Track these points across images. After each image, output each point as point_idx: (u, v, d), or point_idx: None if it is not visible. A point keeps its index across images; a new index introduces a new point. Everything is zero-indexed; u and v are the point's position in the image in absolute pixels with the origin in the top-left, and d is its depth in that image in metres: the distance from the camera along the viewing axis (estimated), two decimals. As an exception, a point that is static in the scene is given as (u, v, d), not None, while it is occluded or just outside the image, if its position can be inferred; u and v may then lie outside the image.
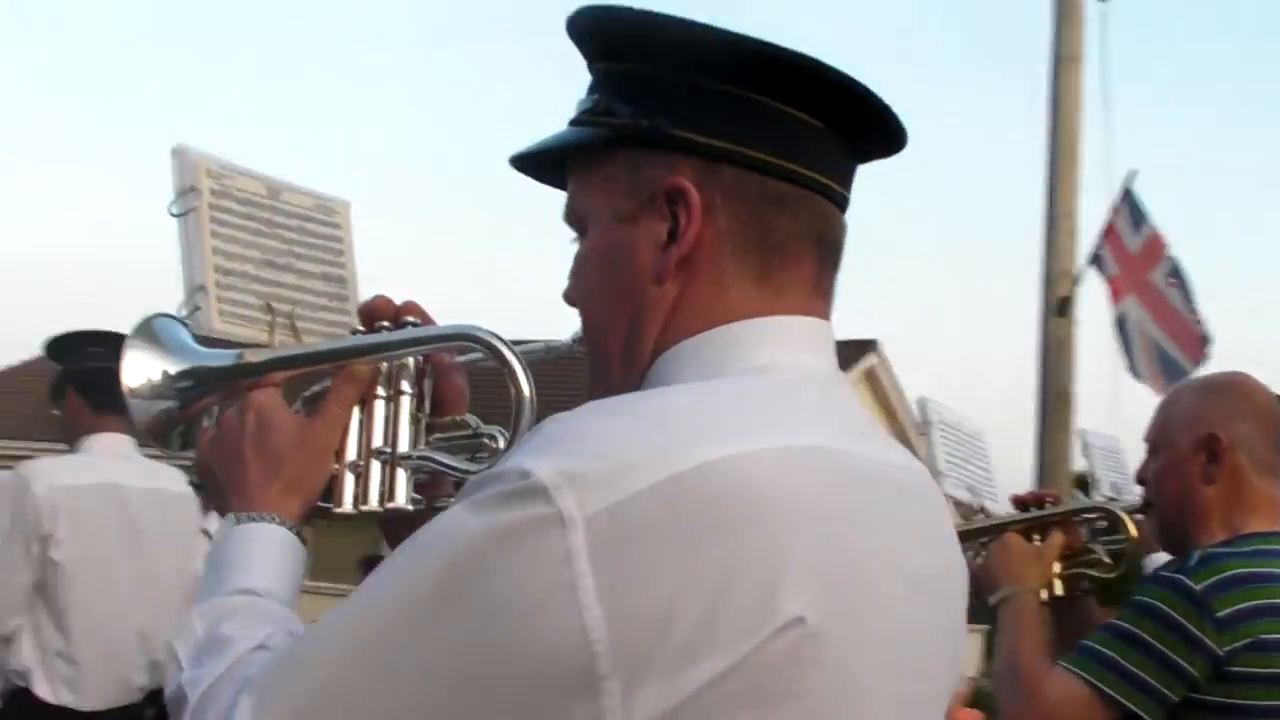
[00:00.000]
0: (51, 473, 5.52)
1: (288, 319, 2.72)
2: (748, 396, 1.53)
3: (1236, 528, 3.46)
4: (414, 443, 1.88)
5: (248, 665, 1.53)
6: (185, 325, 2.03)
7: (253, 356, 1.95)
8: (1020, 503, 4.14)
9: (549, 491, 1.34)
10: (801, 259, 1.65)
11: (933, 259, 70.80)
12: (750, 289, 1.63)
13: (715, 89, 1.61)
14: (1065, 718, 3.33)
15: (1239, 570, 3.28)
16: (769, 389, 1.57)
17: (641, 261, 1.64)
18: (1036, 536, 3.93)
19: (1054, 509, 4.01)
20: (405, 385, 1.89)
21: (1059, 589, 3.92)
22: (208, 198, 2.87)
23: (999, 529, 4.05)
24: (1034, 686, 3.40)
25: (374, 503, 1.86)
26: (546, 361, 1.96)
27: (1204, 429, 3.50)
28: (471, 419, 1.92)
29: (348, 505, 1.86)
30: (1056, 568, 3.90)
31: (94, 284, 49.45)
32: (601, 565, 1.32)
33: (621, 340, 1.67)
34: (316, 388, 1.94)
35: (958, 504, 5.03)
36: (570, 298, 1.75)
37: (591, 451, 1.38)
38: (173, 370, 1.95)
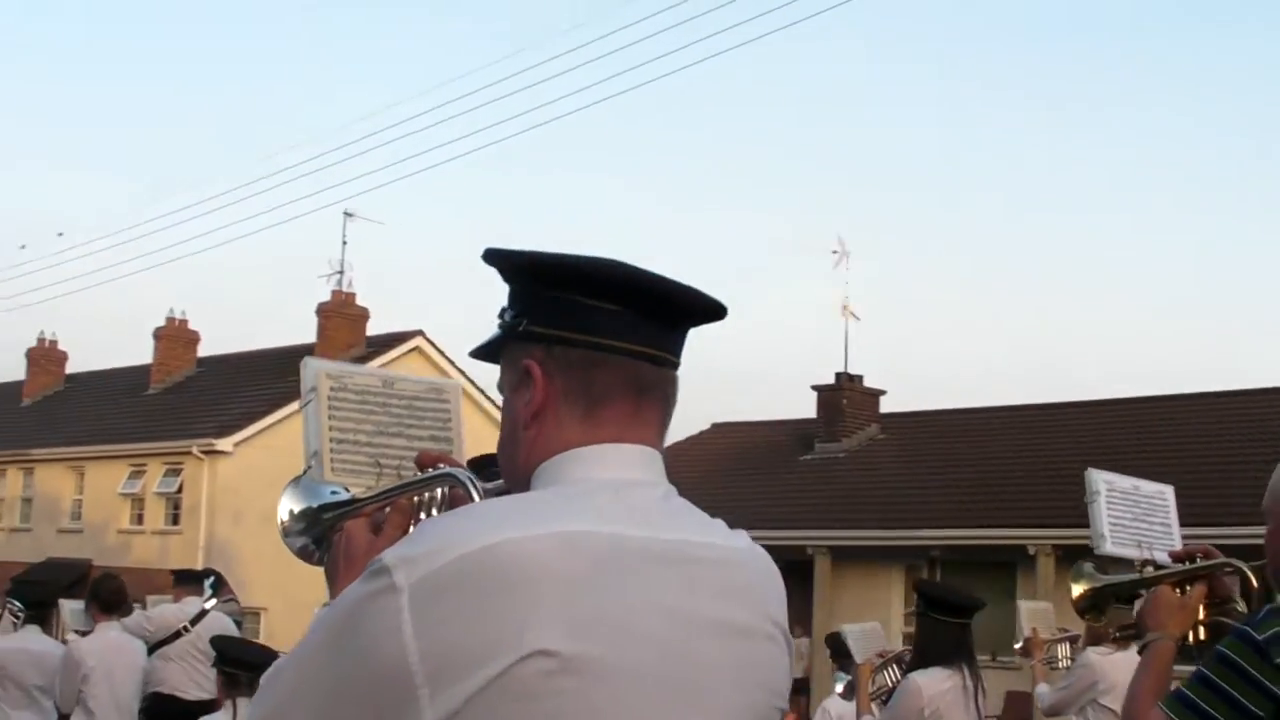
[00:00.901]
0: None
1: (395, 472, 3.46)
2: (549, 499, 2.28)
3: None
4: None
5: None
6: (307, 480, 3.37)
7: (353, 494, 3.15)
8: (1177, 558, 4.69)
9: (390, 570, 2.10)
10: (617, 402, 2.38)
11: None
12: (578, 427, 2.37)
13: (551, 295, 2.40)
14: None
15: None
16: (568, 493, 2.29)
17: (516, 417, 2.43)
18: (1188, 587, 4.45)
19: (1197, 564, 4.54)
20: (434, 508, 2.92)
21: (1202, 634, 4.41)
22: (326, 392, 3.88)
23: (1155, 581, 4.61)
24: (1137, 716, 4.00)
25: None
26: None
27: None
28: None
29: None
30: (1200, 615, 4.39)
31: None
32: (416, 615, 2.06)
33: (510, 468, 2.49)
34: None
35: (1121, 560, 5.53)
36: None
37: (423, 540, 2.17)
38: (296, 509, 3.16)
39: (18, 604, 11.99)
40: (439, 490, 2.95)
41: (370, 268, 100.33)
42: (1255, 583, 4.42)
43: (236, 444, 40.16)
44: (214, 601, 11.14)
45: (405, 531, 2.78)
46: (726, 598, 2.32)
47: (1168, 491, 5.92)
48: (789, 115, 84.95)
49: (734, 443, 35.74)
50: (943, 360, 75.66)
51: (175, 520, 41.50)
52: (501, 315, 2.53)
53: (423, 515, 2.91)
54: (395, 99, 66.85)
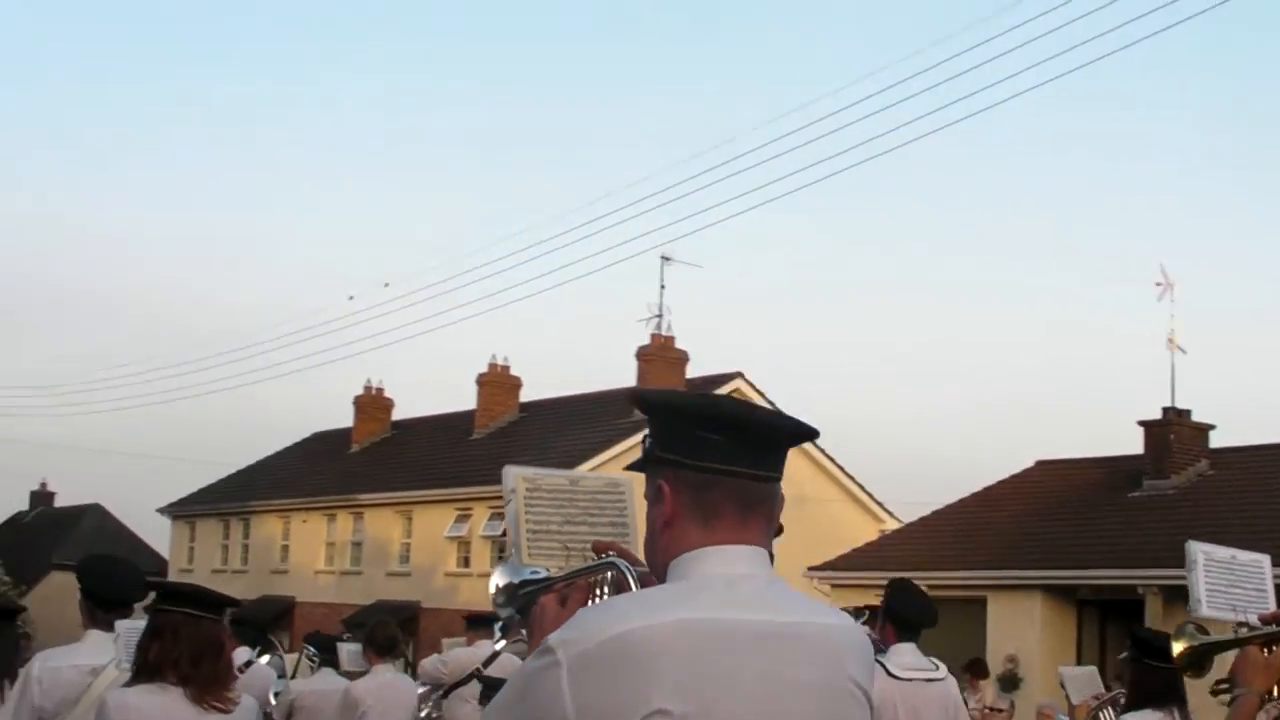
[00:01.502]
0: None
1: (581, 555, 4.26)
2: (672, 591, 3.10)
3: None
4: None
5: None
6: (511, 562, 4.23)
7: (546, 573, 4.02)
8: (1266, 620, 5.15)
9: (554, 649, 2.93)
10: (727, 513, 3.15)
11: None
12: (699, 533, 3.14)
13: (675, 429, 3.20)
14: None
15: None
16: (688, 586, 3.08)
17: (654, 525, 3.23)
18: (1275, 647, 4.86)
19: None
20: (605, 587, 3.58)
21: None
22: (523, 492, 5.02)
23: (1246, 642, 5.02)
24: None
25: None
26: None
27: None
28: None
29: None
30: None
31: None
32: (572, 683, 2.89)
33: (652, 563, 3.29)
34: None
35: (1217, 622, 6.29)
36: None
37: (578, 626, 2.98)
38: (501, 584, 3.97)
39: (312, 649, 14.12)
40: (609, 573, 3.62)
41: (688, 310, 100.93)
42: None
43: (559, 488, 40.54)
44: (503, 643, 11.36)
45: (585, 605, 3.45)
46: (813, 664, 3.09)
47: (1264, 560, 6.48)
48: (1107, 146, 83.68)
49: (1059, 480, 35.07)
50: (1275, 392, 73.65)
51: (501, 562, 42.06)
52: (644, 442, 3.30)
53: (598, 592, 3.59)
54: (701, 147, 67.24)
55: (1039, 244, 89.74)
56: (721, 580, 3.08)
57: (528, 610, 3.77)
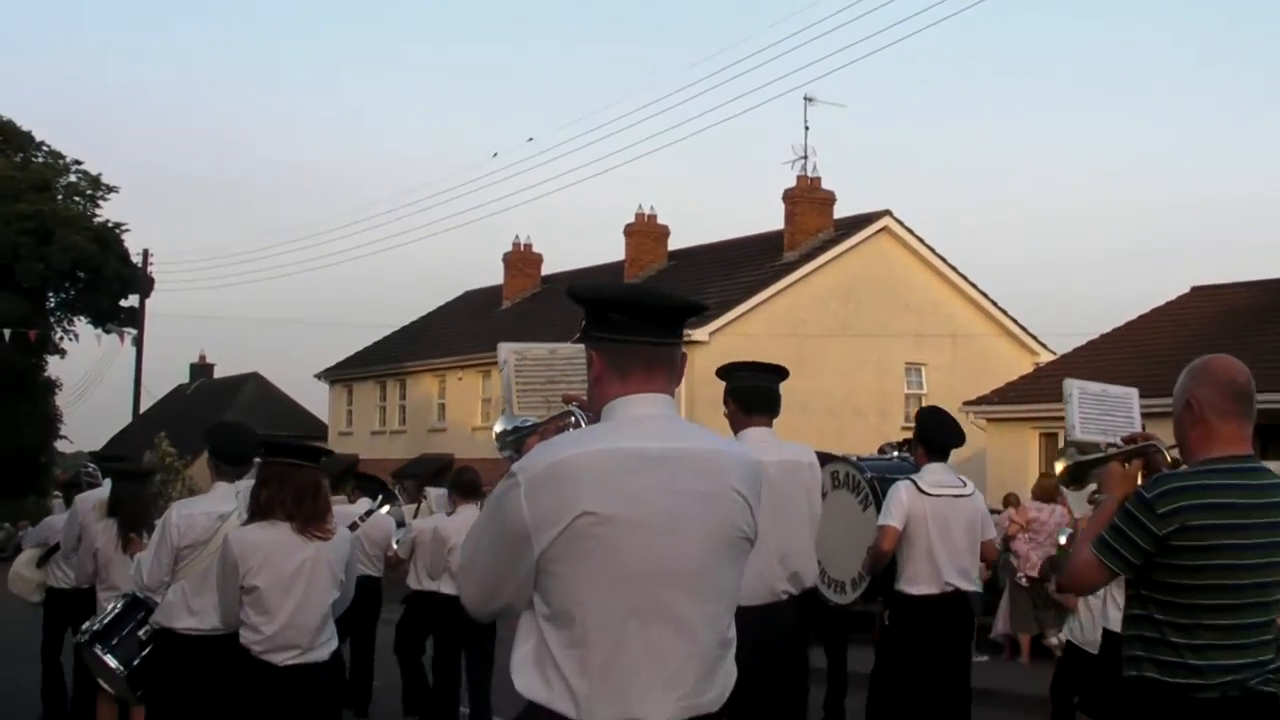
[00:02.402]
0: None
1: (559, 406, 5.49)
2: (597, 429, 4.34)
3: (1201, 456, 5.58)
4: None
5: None
6: (506, 414, 6.14)
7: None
8: (1127, 440, 6.26)
9: (516, 474, 4.13)
10: (636, 372, 4.33)
11: None
12: (617, 386, 4.34)
13: (597, 312, 4.39)
14: (1081, 570, 5.69)
15: (1178, 483, 5.44)
16: (609, 425, 4.30)
17: (589, 382, 4.47)
18: (1137, 462, 6.03)
19: (1136, 446, 6.11)
20: (571, 429, 4.97)
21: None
22: (513, 362, 7.03)
23: (1111, 458, 6.16)
24: (1075, 552, 5.80)
25: None
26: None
27: (1184, 396, 5.66)
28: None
29: None
30: (1140, 481, 5.84)
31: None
32: (527, 497, 4.07)
33: (592, 410, 4.54)
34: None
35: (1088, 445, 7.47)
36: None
37: (532, 457, 4.21)
38: (498, 430, 5.63)
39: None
40: (571, 418, 5.11)
41: (834, 151, 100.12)
42: (1169, 459, 5.95)
43: (712, 333, 40.59)
44: None
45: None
46: (699, 476, 4.25)
47: (1132, 393, 7.54)
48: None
49: (1215, 305, 34.61)
50: None
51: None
52: (582, 324, 4.47)
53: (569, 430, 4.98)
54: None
55: (1186, 75, 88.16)
56: (632, 419, 4.31)
57: (520, 448, 5.20)
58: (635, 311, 4.37)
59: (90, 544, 11.60)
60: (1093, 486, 6.38)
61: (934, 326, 44.36)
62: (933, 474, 10.38)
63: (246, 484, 8.39)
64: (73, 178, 72.69)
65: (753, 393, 9.00)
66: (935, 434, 10.54)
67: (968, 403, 35.45)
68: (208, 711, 8.43)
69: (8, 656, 17.31)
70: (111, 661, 9.54)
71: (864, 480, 12.12)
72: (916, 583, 10.11)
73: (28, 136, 72.39)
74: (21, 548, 16.13)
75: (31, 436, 69.29)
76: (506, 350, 7.35)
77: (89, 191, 72.57)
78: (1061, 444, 7.82)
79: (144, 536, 10.52)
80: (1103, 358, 34.09)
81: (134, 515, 11.16)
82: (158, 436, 59.92)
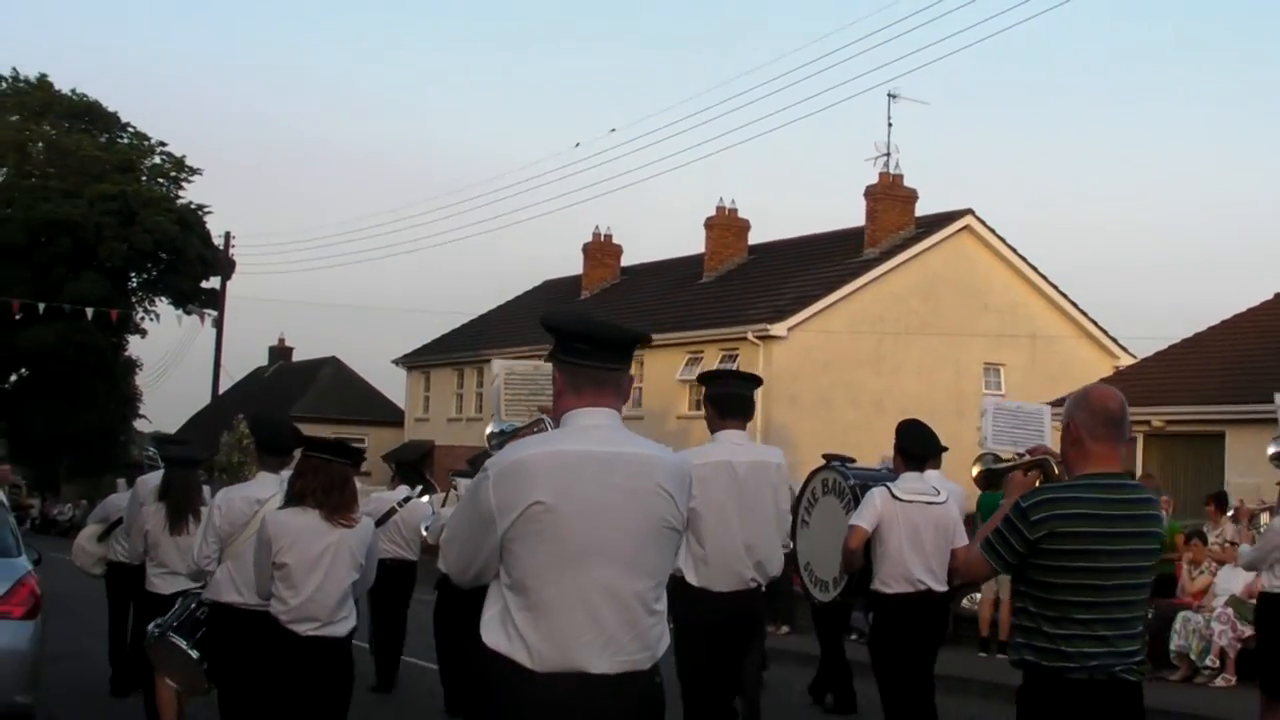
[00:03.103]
0: (690, 456, 8.65)
1: (539, 415, 7.36)
2: (555, 434, 5.42)
3: (1077, 471, 6.44)
4: None
5: None
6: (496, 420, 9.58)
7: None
8: (1031, 453, 7.20)
9: (487, 469, 5.19)
10: (588, 390, 5.30)
11: None
12: (573, 401, 5.31)
13: (560, 339, 5.38)
14: (970, 564, 6.77)
15: (1050, 495, 6.31)
16: (564, 432, 5.29)
17: (554, 397, 5.51)
18: (1034, 472, 6.93)
19: (1035, 459, 7.03)
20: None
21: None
22: (503, 377, 10.48)
23: (1015, 468, 7.08)
24: (969, 548, 7.13)
25: None
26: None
27: (1066, 420, 6.46)
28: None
29: None
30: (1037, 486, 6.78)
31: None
32: (495, 488, 5.10)
33: (556, 419, 5.56)
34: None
35: (1001, 457, 8.07)
36: None
37: (502, 454, 5.24)
38: (489, 433, 8.97)
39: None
40: (545, 423, 6.93)
41: (917, 148, 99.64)
42: (1057, 471, 6.75)
43: (790, 328, 40.52)
44: None
45: None
46: (632, 476, 5.19)
47: (1044, 410, 8.47)
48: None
49: (1304, 310, 34.29)
50: None
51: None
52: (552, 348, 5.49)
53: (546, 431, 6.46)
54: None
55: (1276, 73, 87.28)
56: (582, 428, 5.30)
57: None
58: (591, 341, 5.39)
59: (141, 524, 12.74)
60: None
61: (1013, 327, 44.16)
62: (907, 482, 11.15)
63: (288, 472, 9.45)
64: (157, 159, 73.33)
65: (727, 399, 9.87)
66: (913, 445, 11.34)
67: (1046, 404, 35.26)
68: (260, 681, 9.22)
69: (80, 626, 18.12)
70: (181, 642, 10.31)
71: (847, 486, 12.68)
72: (889, 583, 10.93)
73: (113, 117, 73.05)
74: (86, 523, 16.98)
75: (110, 415, 69.95)
76: (499, 365, 10.24)
77: (173, 173, 73.21)
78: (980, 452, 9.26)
79: (189, 520, 12.07)
80: (1184, 363, 33.87)
81: (182, 500, 12.38)
82: (235, 418, 60.29)
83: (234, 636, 9.65)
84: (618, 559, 5.16)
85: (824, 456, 13.08)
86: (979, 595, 22.05)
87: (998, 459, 7.70)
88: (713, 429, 9.82)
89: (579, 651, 5.09)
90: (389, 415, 64.19)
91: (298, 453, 9.61)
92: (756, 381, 10.58)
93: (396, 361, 62.55)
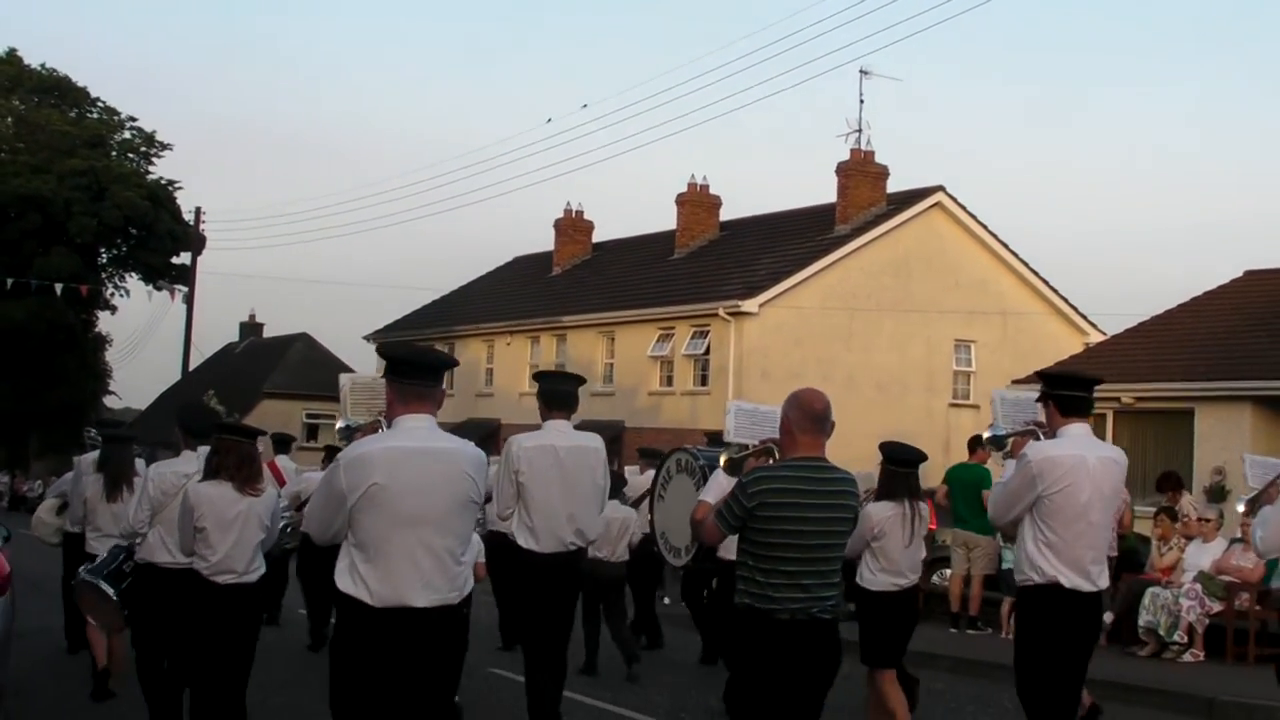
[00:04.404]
0: (522, 440, 11.49)
1: (377, 417, 9.62)
2: (387, 434, 7.47)
3: (788, 456, 8.00)
4: None
5: None
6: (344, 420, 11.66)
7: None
8: (761, 442, 9.44)
9: (338, 460, 7.23)
10: (411, 401, 7.31)
11: None
12: (400, 408, 7.32)
13: (389, 362, 7.50)
14: (707, 528, 8.24)
15: (764, 474, 7.83)
16: (392, 432, 7.35)
17: (387, 402, 7.70)
18: (764, 456, 8.73)
19: (761, 446, 9.06)
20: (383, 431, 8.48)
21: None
22: (349, 388, 12.02)
23: (750, 455, 9.04)
24: (706, 514, 8.30)
25: None
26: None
27: (781, 415, 8.08)
28: None
29: None
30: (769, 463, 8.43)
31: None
32: (345, 473, 7.07)
33: (389, 421, 7.62)
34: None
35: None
36: None
37: (350, 449, 7.35)
38: (338, 428, 11.57)
39: None
40: (381, 424, 8.48)
41: (889, 125, 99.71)
42: (777, 455, 8.36)
43: (761, 304, 40.47)
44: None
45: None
46: (442, 464, 7.17)
47: (778, 409, 8.74)
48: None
49: (1269, 289, 34.34)
50: None
51: (704, 381, 42.22)
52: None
53: (380, 432, 8.06)
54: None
55: (1245, 54, 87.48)
56: (407, 429, 7.23)
57: (350, 440, 8.57)
58: (413, 366, 7.44)
59: (81, 493, 14.54)
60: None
61: (985, 304, 44.20)
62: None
63: (205, 450, 10.96)
64: (127, 134, 73.13)
65: (553, 395, 11.79)
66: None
67: (1016, 381, 35.32)
68: (178, 627, 10.84)
69: (50, 602, 18.52)
70: (106, 587, 12.05)
71: (698, 466, 14.62)
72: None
73: (82, 92, 72.83)
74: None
75: (81, 392, 69.76)
76: (345, 378, 12.14)
77: (143, 149, 73.01)
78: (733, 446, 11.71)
79: (124, 489, 13.73)
80: (1154, 340, 33.94)
81: (117, 471, 14.09)
82: (206, 394, 60.14)
83: (161, 590, 11.20)
84: (433, 524, 7.17)
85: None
86: (949, 572, 22.15)
87: (742, 448, 9.77)
88: (542, 419, 11.68)
89: (406, 591, 7.06)
90: (360, 391, 63.88)
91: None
92: (579, 380, 12.53)
93: (367, 337, 62.44)
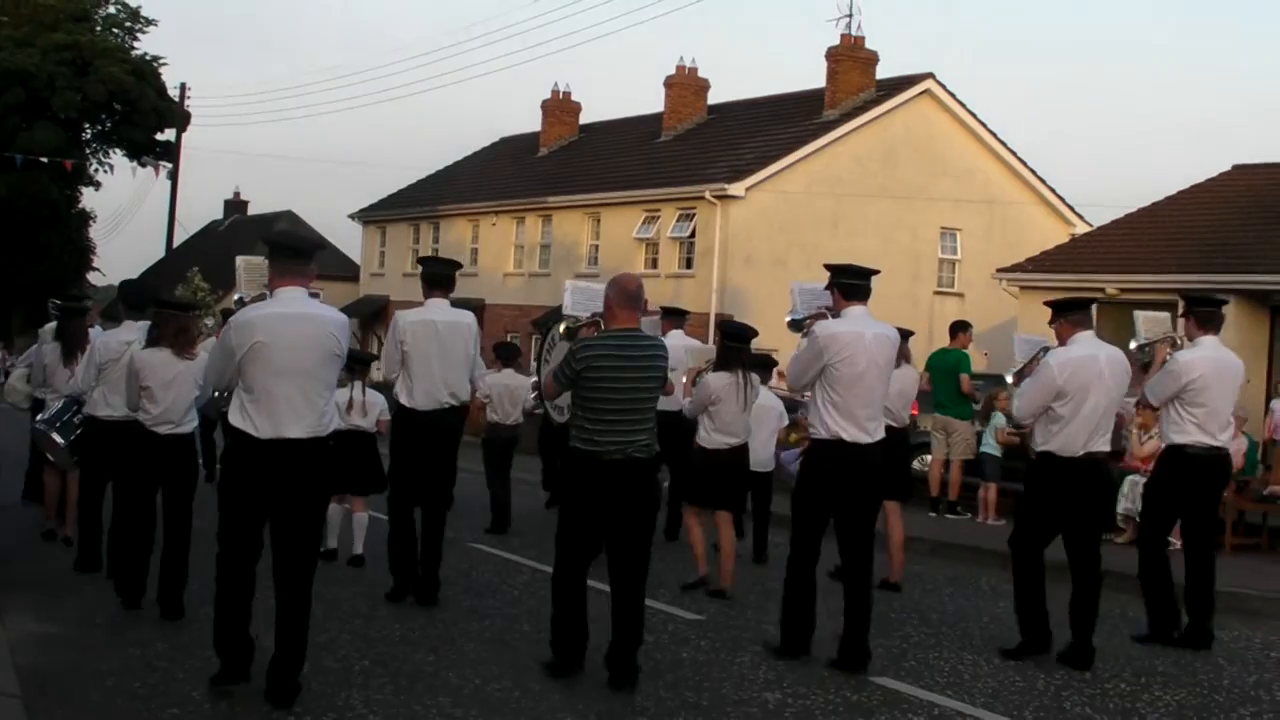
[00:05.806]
0: (406, 315, 13.18)
1: (265, 287, 10.94)
2: (269, 302, 9.28)
3: (610, 326, 9.94)
4: None
5: None
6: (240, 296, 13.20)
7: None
8: (589, 316, 10.96)
9: (230, 321, 9.24)
10: (287, 276, 9.20)
11: None
12: (279, 282, 9.22)
13: (271, 249, 9.45)
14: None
15: (590, 342, 9.82)
16: (275, 301, 9.20)
17: (269, 277, 9.63)
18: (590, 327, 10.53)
19: (591, 319, 10.62)
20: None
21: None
22: (243, 267, 13.21)
23: (583, 325, 10.45)
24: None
25: None
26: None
27: (605, 294, 10.02)
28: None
29: None
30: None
31: None
32: (234, 334, 9.02)
33: (271, 289, 9.56)
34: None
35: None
36: None
37: (238, 314, 9.39)
38: (237, 298, 13.11)
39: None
40: (266, 295, 9.88)
41: (879, 10, 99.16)
42: (604, 326, 10.12)
43: (748, 188, 40.37)
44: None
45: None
46: (312, 325, 9.07)
47: (603, 287, 10.61)
48: None
49: (1258, 185, 34.27)
50: None
51: (689, 264, 42.10)
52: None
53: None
54: None
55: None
56: (284, 299, 9.06)
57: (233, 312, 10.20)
58: (286, 250, 9.29)
59: (41, 359, 16.23)
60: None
61: (971, 192, 44.12)
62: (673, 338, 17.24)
63: (145, 323, 12.84)
64: (111, 9, 72.59)
65: (434, 277, 13.49)
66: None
67: (1001, 270, 35.36)
68: (118, 469, 12.81)
69: (20, 469, 19.19)
70: (58, 438, 14.60)
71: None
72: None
73: (67, -35, 72.07)
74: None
75: (64, 268, 69.55)
76: (240, 260, 13.25)
77: (128, 23, 72.49)
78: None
79: (78, 355, 15.00)
80: (1140, 232, 33.95)
81: (72, 339, 15.60)
82: (190, 271, 60.11)
83: (104, 439, 13.34)
84: (306, 373, 9.00)
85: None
86: (929, 457, 22.28)
87: (576, 320, 11.44)
88: (424, 297, 13.35)
89: (284, 425, 8.91)
90: (344, 270, 63.80)
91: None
92: (456, 265, 14.57)
93: (353, 216, 62.30)
